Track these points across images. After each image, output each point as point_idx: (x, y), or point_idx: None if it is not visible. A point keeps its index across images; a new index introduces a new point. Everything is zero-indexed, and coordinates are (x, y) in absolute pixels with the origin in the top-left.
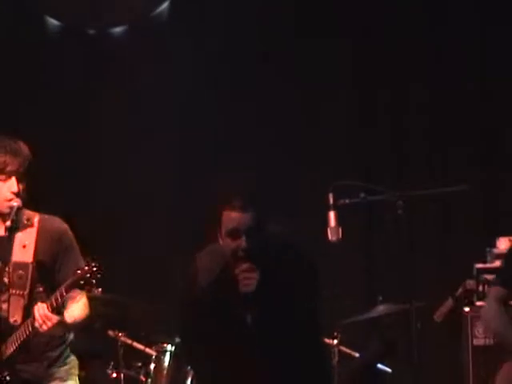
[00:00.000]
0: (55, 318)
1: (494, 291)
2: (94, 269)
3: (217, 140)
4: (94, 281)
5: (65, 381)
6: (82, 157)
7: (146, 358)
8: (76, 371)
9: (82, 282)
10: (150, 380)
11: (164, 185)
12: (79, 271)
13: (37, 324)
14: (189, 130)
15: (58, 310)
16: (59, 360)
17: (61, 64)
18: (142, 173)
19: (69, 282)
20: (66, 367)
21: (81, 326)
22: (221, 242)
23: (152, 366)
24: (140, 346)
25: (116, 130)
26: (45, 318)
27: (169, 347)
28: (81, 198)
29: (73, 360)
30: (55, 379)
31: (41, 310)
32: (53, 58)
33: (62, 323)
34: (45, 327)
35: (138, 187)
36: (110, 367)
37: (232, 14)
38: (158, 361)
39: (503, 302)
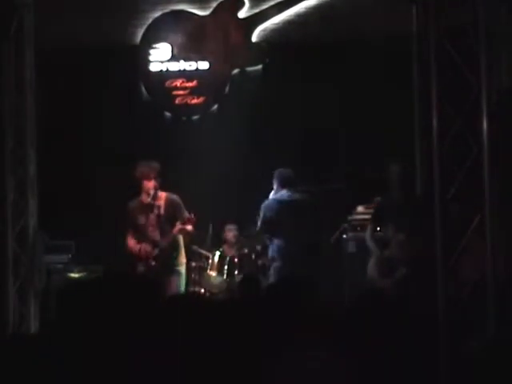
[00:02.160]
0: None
1: (369, 227)
2: (193, 217)
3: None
4: (191, 222)
5: (181, 265)
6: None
7: (207, 257)
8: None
9: (186, 221)
10: (208, 266)
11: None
12: (187, 217)
13: (175, 231)
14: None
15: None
16: (179, 256)
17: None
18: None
19: (182, 221)
20: (180, 259)
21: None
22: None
23: (210, 261)
24: (205, 252)
25: None
26: (181, 227)
27: (217, 253)
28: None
29: (182, 256)
30: (179, 264)
31: (179, 226)
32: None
33: (183, 230)
34: (179, 231)
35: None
36: (192, 262)
37: None
38: (212, 258)
39: (373, 230)
